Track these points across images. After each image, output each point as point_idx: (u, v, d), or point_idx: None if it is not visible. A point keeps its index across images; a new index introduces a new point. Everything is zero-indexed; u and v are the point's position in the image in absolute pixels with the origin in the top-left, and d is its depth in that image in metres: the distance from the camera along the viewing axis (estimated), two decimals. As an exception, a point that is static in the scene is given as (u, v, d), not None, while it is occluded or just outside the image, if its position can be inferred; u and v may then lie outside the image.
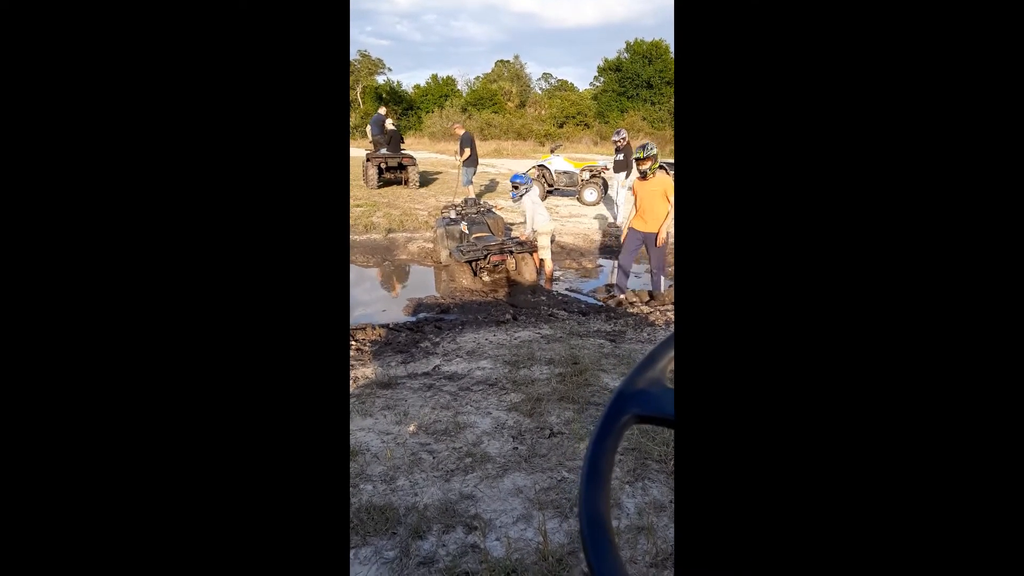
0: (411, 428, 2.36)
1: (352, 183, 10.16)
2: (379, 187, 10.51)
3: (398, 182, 11.08)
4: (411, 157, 11.09)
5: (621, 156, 7.52)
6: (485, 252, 4.86)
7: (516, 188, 5.43)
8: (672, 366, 0.46)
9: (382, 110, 10.98)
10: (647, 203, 4.48)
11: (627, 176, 7.74)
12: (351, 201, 9.11)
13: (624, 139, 7.65)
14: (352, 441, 2.23)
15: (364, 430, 2.33)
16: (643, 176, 4.46)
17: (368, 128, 10.62)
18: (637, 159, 4.44)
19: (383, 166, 10.50)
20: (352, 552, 1.61)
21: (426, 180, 11.82)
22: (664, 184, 4.43)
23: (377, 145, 10.45)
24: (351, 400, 2.63)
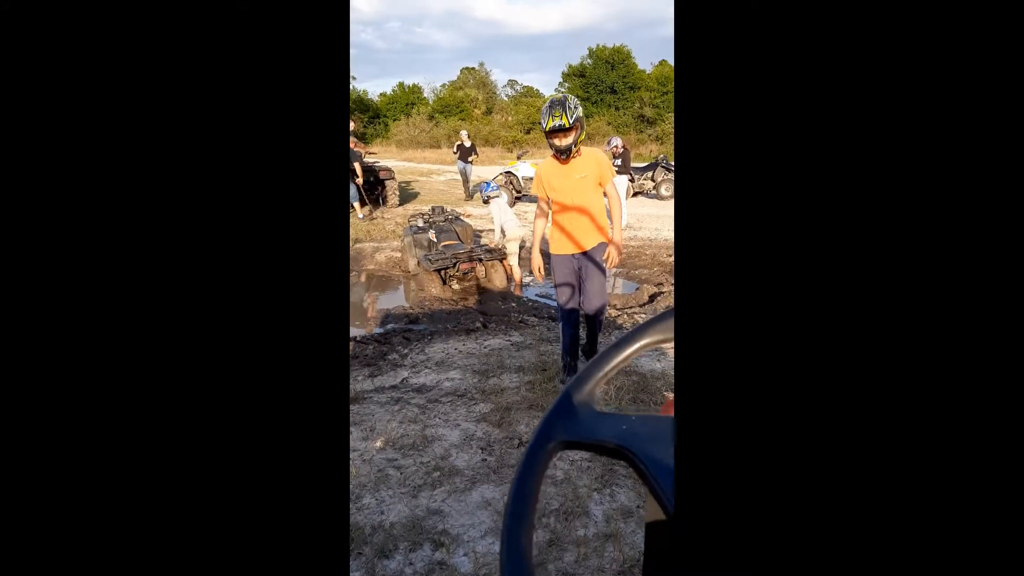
0: (378, 443, 2.31)
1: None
2: (370, 215, 8.52)
3: (375, 201, 9.21)
4: (388, 170, 9.27)
5: (619, 162, 7.40)
6: (454, 260, 4.84)
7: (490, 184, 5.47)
8: (599, 389, 0.45)
9: (352, 143, 8.78)
10: (573, 200, 2.61)
11: (631, 180, 7.77)
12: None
13: (619, 146, 7.43)
14: (317, 460, 2.17)
15: (329, 448, 2.28)
16: (563, 155, 2.53)
17: None
18: (558, 129, 2.47)
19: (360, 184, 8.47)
20: (315, 577, 1.56)
21: (404, 194, 10.69)
22: (596, 166, 2.60)
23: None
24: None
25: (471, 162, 10.70)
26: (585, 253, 2.68)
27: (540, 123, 2.56)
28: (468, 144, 10.74)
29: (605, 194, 2.69)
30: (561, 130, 2.49)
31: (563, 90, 31.79)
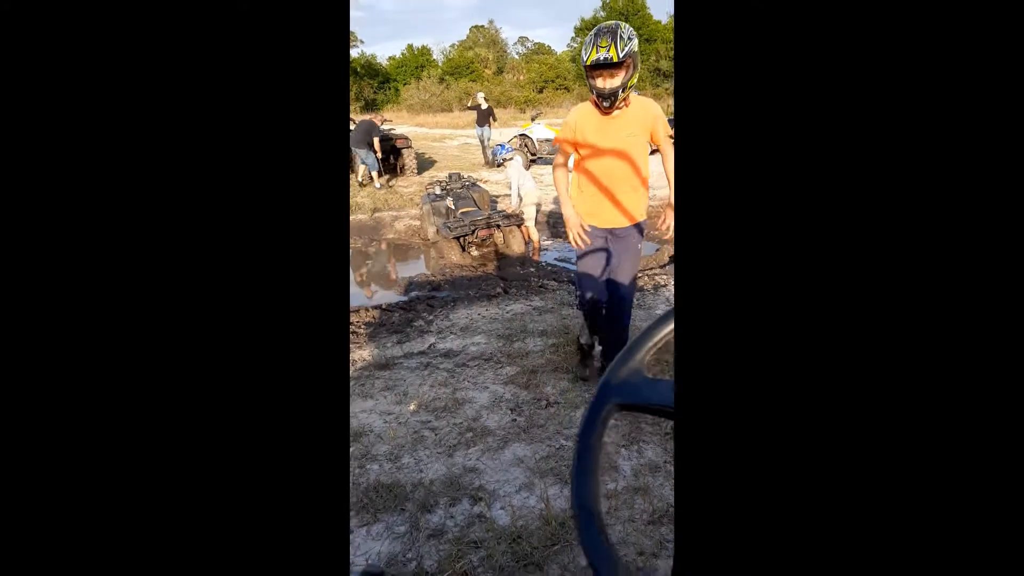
0: (411, 407, 2.42)
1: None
2: (386, 184, 8.50)
3: (392, 170, 9.24)
4: (405, 138, 9.18)
5: None
6: (473, 227, 4.87)
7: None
8: (648, 357, 0.50)
9: (376, 118, 8.72)
10: (613, 163, 2.01)
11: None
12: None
13: None
14: (355, 423, 2.29)
15: (366, 412, 2.39)
16: (605, 101, 1.90)
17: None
18: (603, 65, 1.84)
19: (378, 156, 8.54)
20: (364, 529, 1.68)
21: (420, 162, 10.12)
22: (649, 122, 1.98)
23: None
24: (351, 383, 2.68)
25: (489, 126, 10.53)
26: (618, 231, 2.09)
27: (581, 56, 1.89)
28: (485, 107, 10.57)
29: (656, 151, 2.06)
30: (607, 66, 1.82)
31: (576, 44, 30.74)
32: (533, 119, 10.44)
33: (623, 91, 1.89)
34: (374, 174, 8.40)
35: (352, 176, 8.93)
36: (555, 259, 5.15)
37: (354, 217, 6.89)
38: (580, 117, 2.06)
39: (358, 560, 1.56)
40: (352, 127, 8.65)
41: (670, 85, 25.61)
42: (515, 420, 2.26)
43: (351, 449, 2.09)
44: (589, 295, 2.26)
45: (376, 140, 8.39)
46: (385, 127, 9.37)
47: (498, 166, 5.62)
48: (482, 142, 10.64)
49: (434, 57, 34.58)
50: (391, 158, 9.22)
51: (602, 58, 1.81)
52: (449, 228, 4.85)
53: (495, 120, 10.69)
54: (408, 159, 9.26)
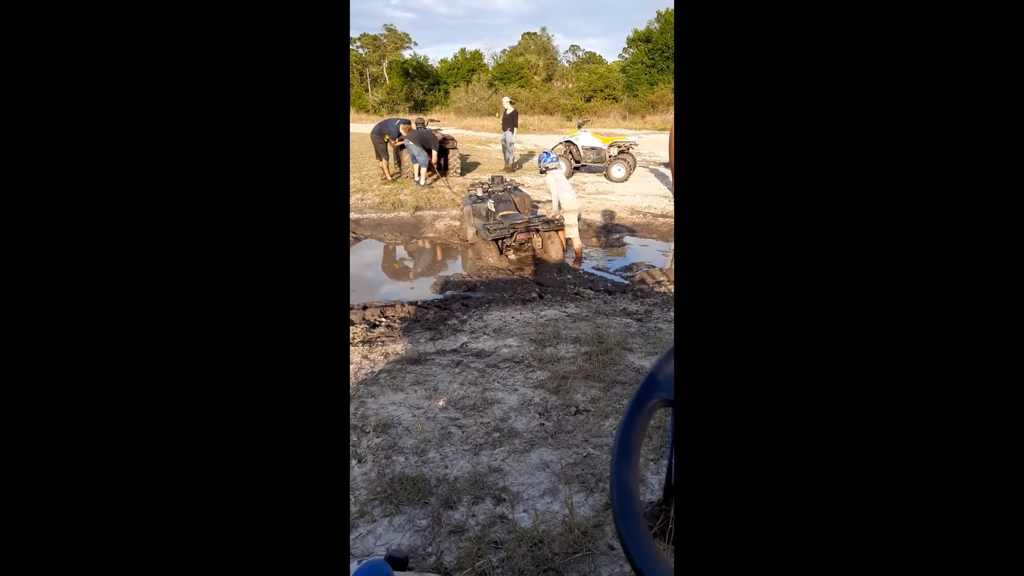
0: (440, 403, 2.43)
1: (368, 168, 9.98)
2: (429, 184, 8.72)
3: (436, 170, 9.40)
4: (451, 139, 9.42)
5: None
6: (512, 230, 4.88)
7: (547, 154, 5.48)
8: None
9: (410, 119, 9.36)
10: None
11: None
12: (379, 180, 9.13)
13: None
14: (384, 414, 2.31)
15: (396, 404, 2.42)
16: None
17: (377, 135, 9.10)
18: None
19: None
20: (387, 520, 1.69)
21: (464, 164, 10.36)
22: None
23: (378, 151, 9.08)
24: (383, 375, 2.71)
25: (513, 131, 10.55)
26: None
27: None
28: (510, 111, 10.60)
29: None
30: None
31: (628, 56, 30.64)
32: (579, 127, 10.41)
33: None
34: (424, 170, 8.60)
35: (385, 165, 9.19)
36: (593, 267, 5.11)
37: (396, 214, 7.01)
38: None
39: (378, 550, 1.57)
40: (409, 123, 8.99)
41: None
42: (543, 424, 2.24)
43: (378, 440, 2.12)
44: None
45: (434, 152, 8.75)
46: (431, 127, 9.55)
47: (541, 173, 5.60)
48: (504, 146, 10.72)
49: (485, 62, 35.01)
50: (439, 158, 9.47)
51: None
52: (488, 230, 4.88)
53: (515, 128, 10.69)
54: (453, 160, 9.45)
